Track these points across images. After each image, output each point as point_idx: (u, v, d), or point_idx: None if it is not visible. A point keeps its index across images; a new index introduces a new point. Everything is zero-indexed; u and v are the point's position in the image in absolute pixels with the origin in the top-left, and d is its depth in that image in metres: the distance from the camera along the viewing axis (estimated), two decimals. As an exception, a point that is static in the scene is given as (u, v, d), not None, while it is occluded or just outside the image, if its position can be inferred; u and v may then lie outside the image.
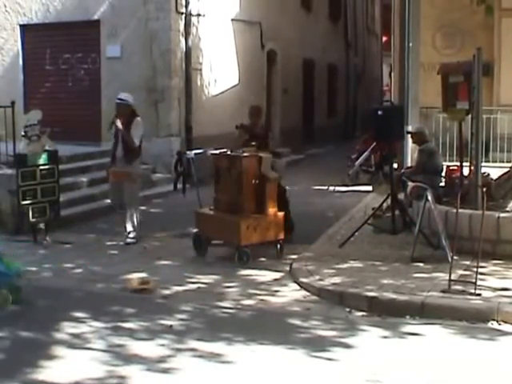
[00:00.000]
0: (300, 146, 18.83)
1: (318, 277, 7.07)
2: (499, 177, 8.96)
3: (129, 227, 9.07)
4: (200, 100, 14.83)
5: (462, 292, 6.25)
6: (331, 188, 13.07)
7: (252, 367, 5.00)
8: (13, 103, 9.81)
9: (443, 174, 9.73)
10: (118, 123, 8.99)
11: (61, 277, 7.68)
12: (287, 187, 9.05)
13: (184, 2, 14.08)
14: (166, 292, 6.94)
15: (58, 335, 5.71)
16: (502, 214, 7.65)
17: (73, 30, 14.47)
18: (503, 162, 11.96)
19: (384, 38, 29.98)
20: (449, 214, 7.68)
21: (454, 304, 6.04)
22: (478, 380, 4.74)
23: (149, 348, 5.35)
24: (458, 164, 8.94)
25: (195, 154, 9.28)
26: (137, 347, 5.37)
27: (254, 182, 7.90)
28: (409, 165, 10.92)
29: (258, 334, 5.64)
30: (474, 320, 5.84)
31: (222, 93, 15.71)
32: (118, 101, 9.20)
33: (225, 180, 8.14)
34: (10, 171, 9.85)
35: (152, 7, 13.84)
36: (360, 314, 6.21)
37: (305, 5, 21.00)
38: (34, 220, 9.35)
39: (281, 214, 8.03)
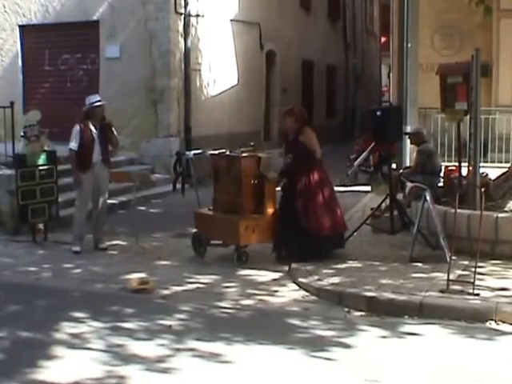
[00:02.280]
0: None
1: (316, 277, 7.08)
2: (498, 177, 8.97)
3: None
4: (199, 100, 14.85)
5: (461, 292, 6.27)
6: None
7: (251, 367, 5.01)
8: (12, 104, 9.82)
9: (442, 174, 9.75)
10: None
11: (60, 277, 7.69)
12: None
13: (183, 3, 14.10)
14: (165, 292, 6.94)
15: (58, 335, 5.71)
16: (501, 215, 7.66)
17: (72, 31, 14.49)
18: (501, 162, 11.98)
19: (383, 39, 29.98)
20: (447, 214, 7.69)
21: (453, 304, 6.05)
22: (477, 380, 4.75)
23: (148, 348, 5.36)
24: (457, 164, 8.95)
25: (194, 154, 9.29)
26: (136, 347, 5.38)
27: (252, 182, 7.90)
28: (407, 165, 10.94)
29: (257, 333, 5.65)
30: (472, 320, 5.85)
31: (221, 93, 15.73)
32: (100, 102, 8.89)
33: (224, 180, 8.15)
34: (9, 171, 9.85)
35: (151, 8, 13.86)
36: (359, 313, 6.22)
37: (304, 5, 21.01)
38: (33, 220, 9.36)
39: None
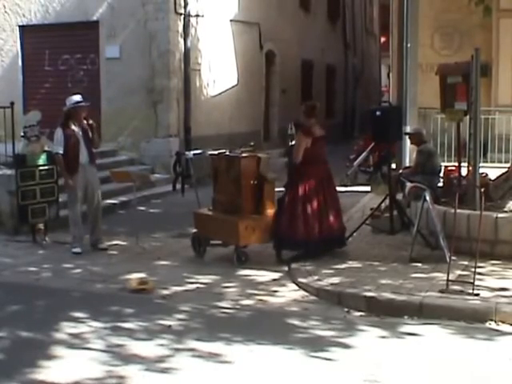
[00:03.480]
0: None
1: (316, 277, 7.08)
2: (497, 177, 8.97)
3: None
4: (199, 101, 14.85)
5: (460, 292, 6.27)
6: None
7: (250, 367, 5.01)
8: (12, 104, 9.82)
9: (441, 174, 9.75)
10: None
11: (60, 277, 7.69)
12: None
13: (183, 3, 14.11)
14: (165, 292, 6.95)
15: (58, 335, 5.72)
16: (500, 215, 7.66)
17: (72, 31, 14.49)
18: (501, 162, 11.99)
19: (382, 39, 29.99)
20: (447, 214, 7.69)
21: (452, 304, 6.05)
22: (477, 380, 4.75)
23: (148, 348, 5.37)
24: (456, 164, 8.95)
25: (194, 154, 9.29)
26: (136, 347, 5.38)
27: (252, 182, 7.90)
28: (407, 165, 10.94)
29: (256, 334, 5.65)
30: (472, 320, 5.85)
31: (221, 93, 15.73)
32: (83, 103, 8.82)
33: (223, 180, 8.15)
34: (9, 172, 9.85)
35: (151, 8, 13.87)
36: (358, 314, 6.22)
37: (303, 6, 21.01)
38: (33, 220, 9.37)
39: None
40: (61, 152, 8.68)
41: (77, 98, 8.84)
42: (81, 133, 8.75)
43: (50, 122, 9.57)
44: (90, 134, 8.86)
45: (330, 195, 8.09)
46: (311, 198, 7.87)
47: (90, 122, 8.87)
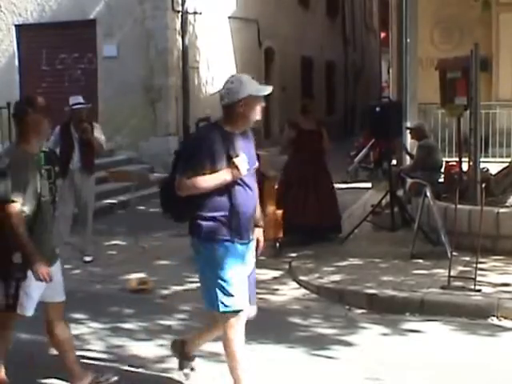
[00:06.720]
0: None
1: (317, 275, 7.05)
2: (498, 172, 8.94)
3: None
4: (197, 99, 14.81)
5: (462, 288, 6.24)
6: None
7: (252, 366, 4.97)
8: (9, 104, 9.79)
9: (442, 169, 9.71)
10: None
11: (59, 278, 7.64)
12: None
13: (180, 1, 14.06)
14: (165, 292, 6.93)
15: (57, 336, 5.67)
16: (502, 210, 7.63)
17: (69, 30, 14.45)
18: (502, 157, 11.96)
19: (382, 35, 29.94)
20: (448, 210, 7.65)
21: (454, 300, 6.03)
22: (479, 376, 4.72)
23: (148, 348, 5.34)
24: (457, 160, 8.92)
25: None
26: (136, 348, 5.35)
27: (252, 180, 7.86)
28: (408, 162, 10.90)
29: (257, 332, 5.59)
30: (474, 316, 5.83)
31: (220, 91, 15.66)
32: (81, 105, 8.26)
33: (223, 179, 8.09)
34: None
35: (148, 6, 13.83)
36: (360, 311, 6.20)
37: (302, 2, 20.97)
38: (32, 221, 9.31)
39: (279, 212, 7.99)
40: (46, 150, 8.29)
41: (75, 99, 8.42)
42: (77, 136, 8.21)
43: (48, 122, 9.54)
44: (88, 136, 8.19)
45: (321, 187, 8.45)
46: (290, 186, 8.43)
47: (85, 125, 8.19)
